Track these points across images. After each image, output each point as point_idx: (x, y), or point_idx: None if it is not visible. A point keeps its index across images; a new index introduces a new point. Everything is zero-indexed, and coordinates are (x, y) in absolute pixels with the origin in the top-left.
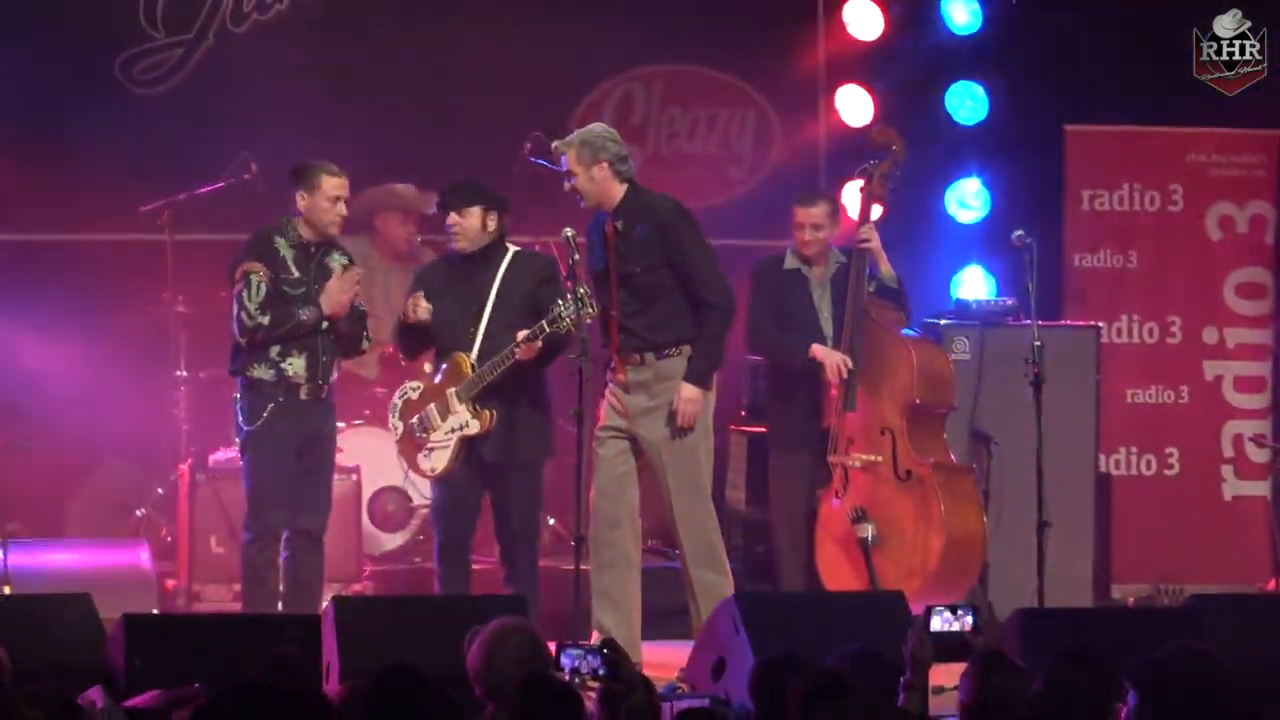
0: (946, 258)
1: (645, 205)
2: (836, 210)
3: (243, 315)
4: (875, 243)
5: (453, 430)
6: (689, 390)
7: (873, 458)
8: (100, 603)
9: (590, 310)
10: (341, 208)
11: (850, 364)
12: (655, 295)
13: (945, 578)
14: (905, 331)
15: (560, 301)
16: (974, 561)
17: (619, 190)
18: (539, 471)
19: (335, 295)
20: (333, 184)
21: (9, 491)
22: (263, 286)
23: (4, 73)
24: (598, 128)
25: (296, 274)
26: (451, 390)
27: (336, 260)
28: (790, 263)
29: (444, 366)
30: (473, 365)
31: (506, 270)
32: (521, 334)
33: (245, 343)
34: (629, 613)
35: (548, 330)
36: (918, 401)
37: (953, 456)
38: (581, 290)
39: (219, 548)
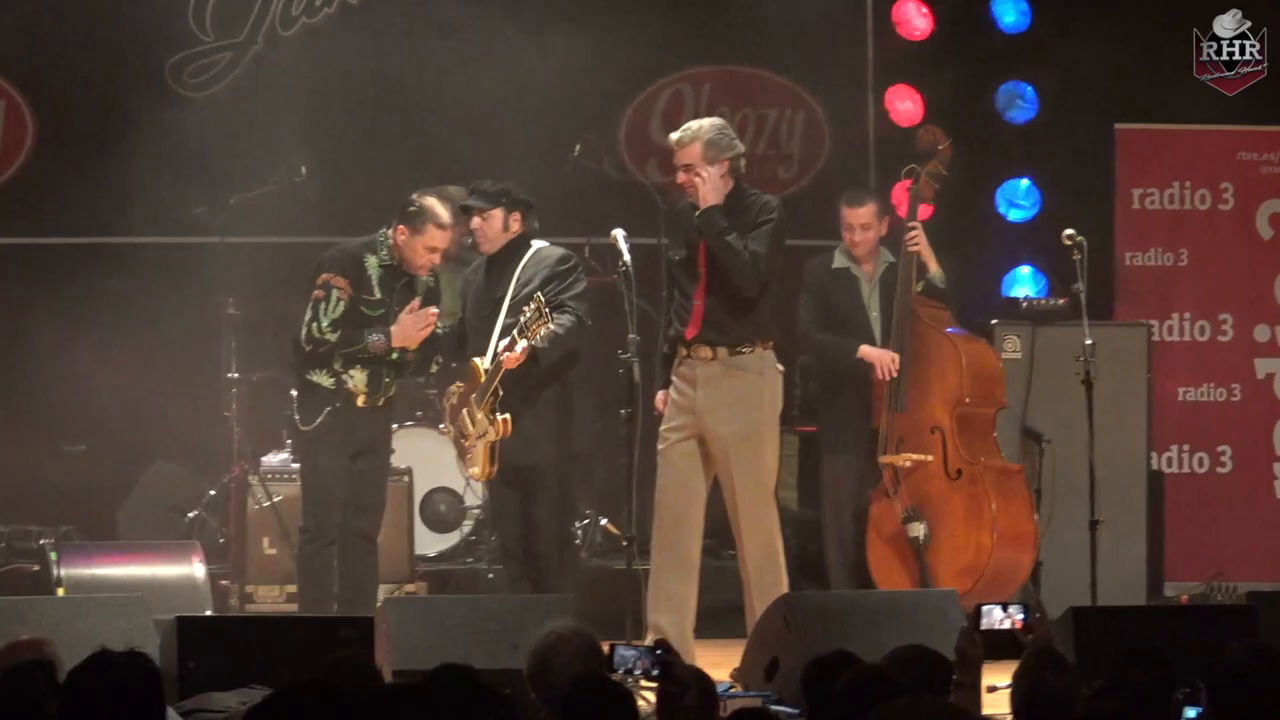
0: (997, 257)
1: (747, 203)
2: (884, 210)
3: (313, 325)
4: (923, 242)
5: (480, 436)
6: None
7: (923, 457)
8: (153, 605)
9: (547, 322)
10: (436, 259)
11: (898, 363)
12: (738, 291)
13: (997, 576)
14: (953, 331)
15: (527, 308)
16: (1025, 560)
17: (728, 187)
18: (564, 473)
19: (406, 329)
20: (436, 237)
21: (62, 494)
22: (341, 304)
23: (56, 77)
24: (719, 123)
25: (379, 295)
26: (472, 396)
27: (422, 282)
28: (839, 262)
29: (470, 371)
30: (485, 371)
31: (523, 269)
32: (502, 344)
33: (308, 350)
34: (686, 615)
35: (520, 339)
36: (967, 400)
37: (1003, 455)
38: (541, 299)
39: (271, 549)
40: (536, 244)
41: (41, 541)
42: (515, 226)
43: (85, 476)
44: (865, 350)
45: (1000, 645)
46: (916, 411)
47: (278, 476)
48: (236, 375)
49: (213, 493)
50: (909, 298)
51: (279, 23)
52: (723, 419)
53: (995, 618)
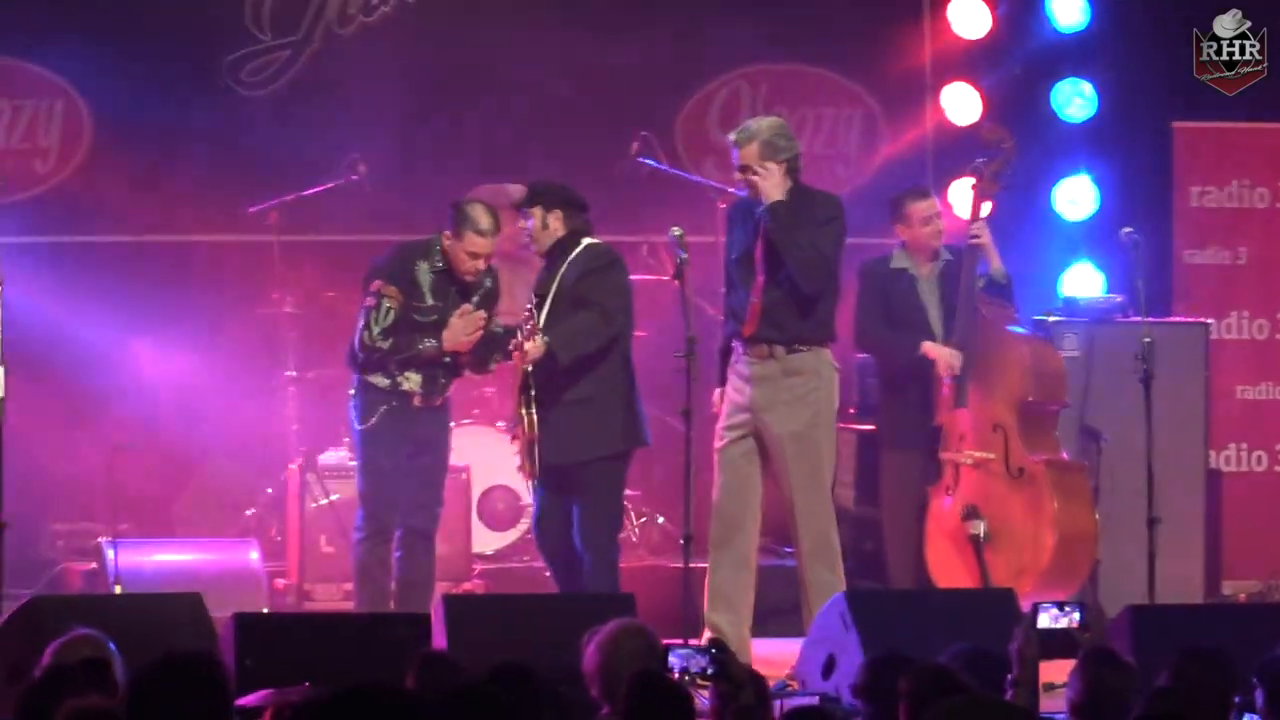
0: (1055, 254)
1: (809, 200)
2: (944, 202)
3: (364, 334)
4: (986, 239)
5: (525, 434)
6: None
7: (985, 454)
8: (210, 602)
9: (536, 331)
10: (480, 264)
11: (959, 360)
12: (797, 290)
13: (1057, 575)
14: (1015, 328)
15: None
16: (1085, 559)
17: (786, 187)
18: (603, 469)
19: (456, 334)
20: (475, 243)
21: (119, 491)
22: (391, 313)
23: (113, 76)
24: (777, 123)
25: (431, 301)
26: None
27: (483, 282)
28: (897, 262)
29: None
30: (524, 370)
31: (567, 267)
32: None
33: (362, 358)
34: (743, 614)
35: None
36: (1030, 399)
37: (1065, 453)
38: (531, 309)
39: (329, 547)
40: (587, 241)
41: (99, 539)
42: (555, 225)
43: (142, 474)
44: (928, 346)
45: (1056, 645)
46: (979, 409)
47: (335, 474)
48: (294, 373)
49: (270, 490)
50: (973, 294)
51: (336, 21)
52: (780, 418)
53: (1052, 617)
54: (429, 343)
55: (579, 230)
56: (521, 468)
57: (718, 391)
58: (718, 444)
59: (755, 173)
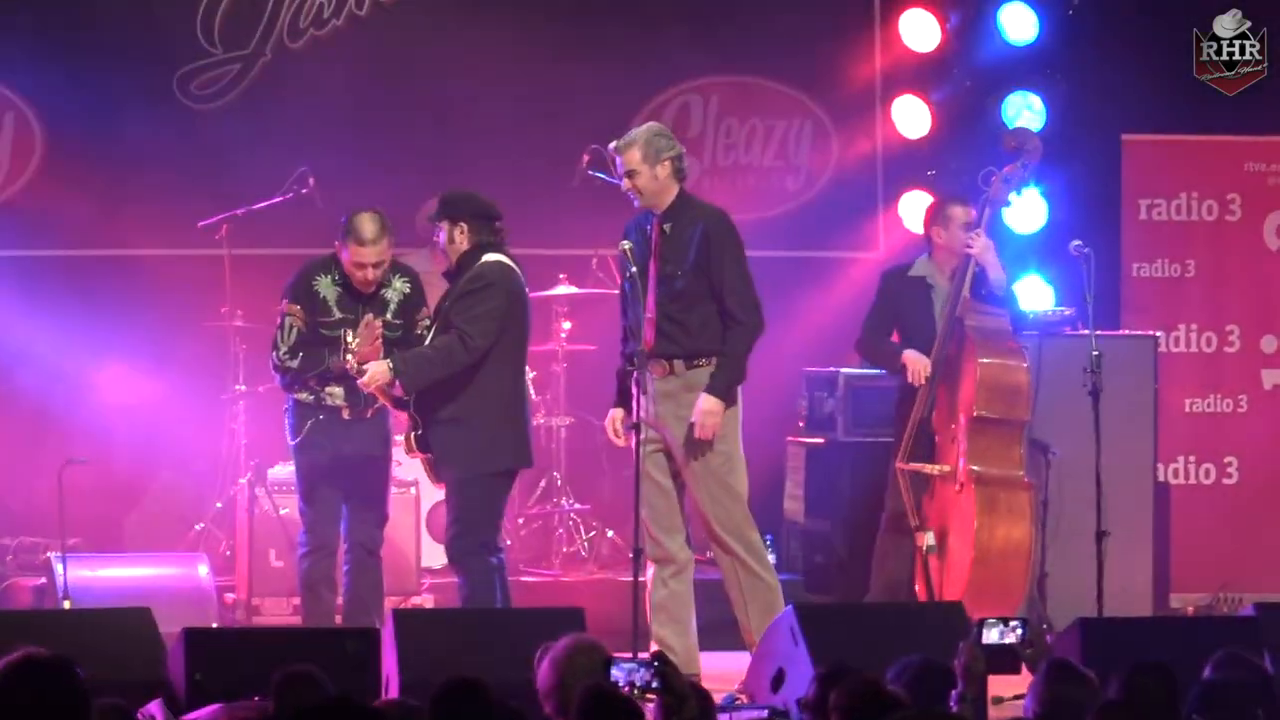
0: (1005, 267)
1: (696, 211)
2: None
3: (274, 355)
4: (979, 248)
5: None
6: (709, 402)
7: (937, 467)
8: (159, 617)
9: (345, 358)
10: (369, 273)
11: (928, 369)
12: (692, 302)
13: (981, 594)
14: (989, 340)
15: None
16: (1014, 579)
17: (673, 191)
18: (477, 485)
19: (360, 346)
20: (358, 253)
21: (68, 506)
22: (294, 331)
23: (64, 90)
24: (655, 126)
25: (338, 315)
26: None
27: (396, 289)
28: (918, 270)
29: None
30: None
31: (462, 282)
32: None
33: (279, 378)
34: (687, 625)
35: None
36: (980, 414)
37: (1021, 471)
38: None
39: (278, 561)
40: (488, 258)
41: (48, 554)
42: (460, 238)
43: (92, 489)
44: (906, 355)
45: (1000, 660)
46: (944, 420)
47: (284, 489)
48: (244, 387)
49: (219, 505)
50: (956, 305)
51: (286, 35)
52: (682, 432)
53: (997, 633)
54: (335, 358)
55: (485, 244)
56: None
57: (611, 413)
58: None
59: (637, 174)
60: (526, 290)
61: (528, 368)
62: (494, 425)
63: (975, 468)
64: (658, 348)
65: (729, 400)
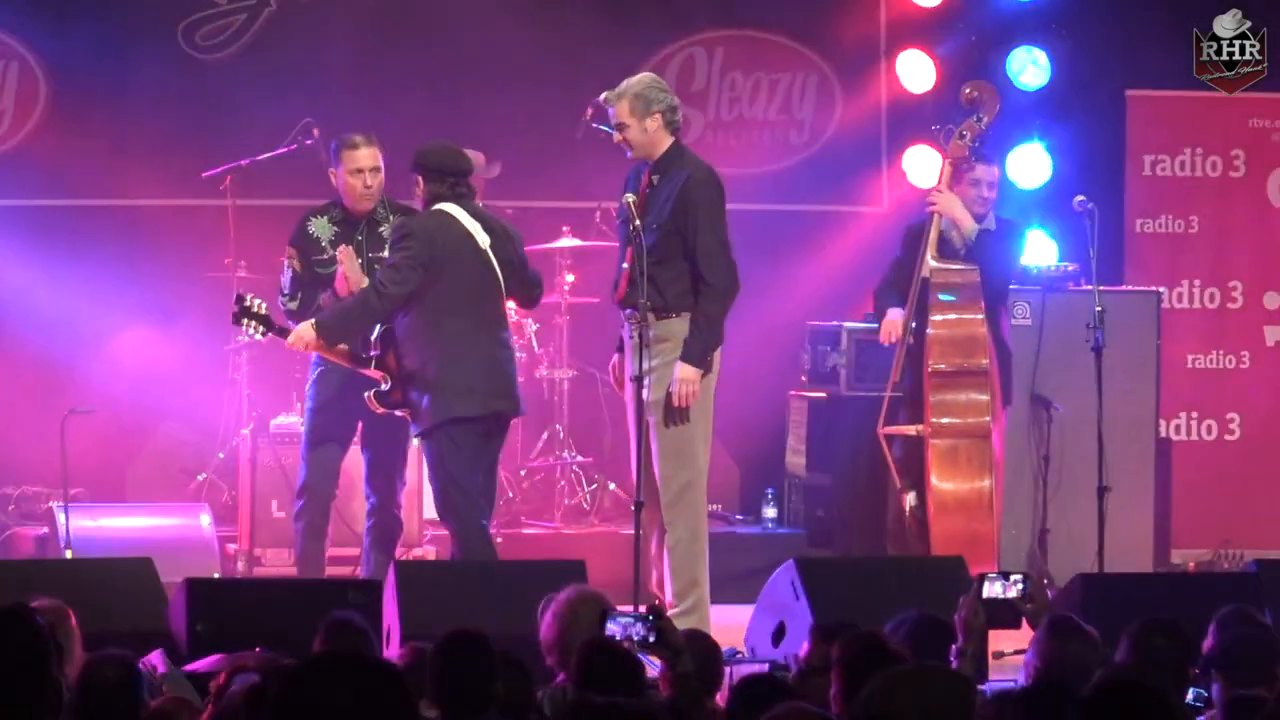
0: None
1: (684, 165)
2: None
3: (279, 300)
4: (942, 205)
5: None
6: (685, 370)
7: (912, 429)
8: (161, 567)
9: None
10: (367, 179)
11: (898, 331)
12: (664, 257)
13: (947, 545)
14: (944, 297)
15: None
16: (978, 527)
17: (667, 142)
18: (425, 441)
19: (349, 273)
20: (353, 158)
21: (71, 456)
22: (293, 273)
23: (69, 40)
24: (647, 78)
25: (331, 253)
26: None
27: (392, 224)
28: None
29: None
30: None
31: None
32: None
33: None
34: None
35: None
36: (936, 368)
37: (988, 418)
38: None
39: (279, 512)
40: (435, 208)
41: (50, 504)
42: (419, 191)
43: (94, 438)
44: (886, 317)
45: (1000, 614)
46: (916, 381)
47: (286, 439)
48: (246, 338)
49: (221, 455)
50: (920, 263)
51: None
52: (651, 383)
53: (996, 587)
54: (326, 292)
55: (439, 196)
56: None
57: (616, 357)
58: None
59: (628, 126)
60: (481, 239)
61: (530, 320)
62: (442, 376)
63: (938, 420)
64: (629, 298)
65: (705, 367)
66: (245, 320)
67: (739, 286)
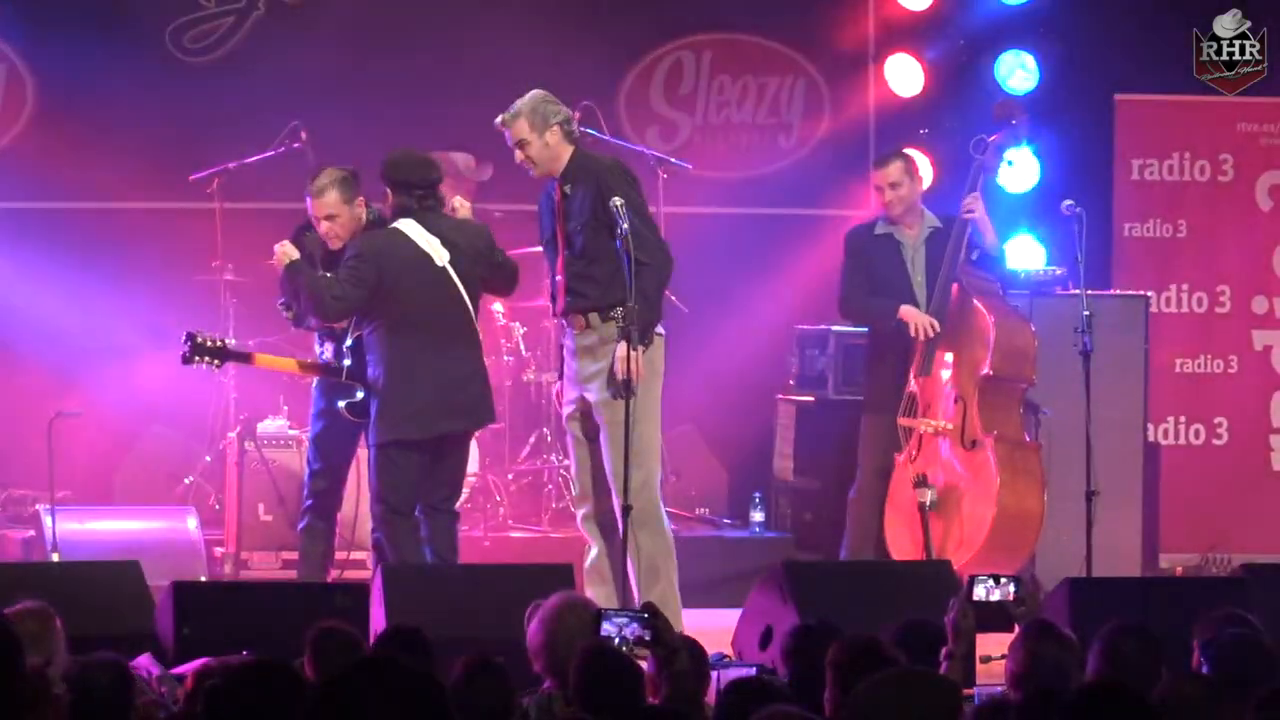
0: (996, 226)
1: (591, 165)
2: (911, 166)
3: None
4: (979, 213)
5: None
6: (624, 348)
7: (943, 424)
8: (148, 570)
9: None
10: (323, 225)
11: (936, 327)
12: (596, 256)
13: (994, 552)
14: (993, 302)
15: None
16: (1026, 539)
17: (567, 154)
18: (372, 453)
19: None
20: (313, 205)
21: (58, 459)
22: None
23: (56, 43)
24: (539, 94)
25: (321, 271)
26: None
27: None
28: (882, 228)
29: None
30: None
31: None
32: None
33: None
34: (615, 584)
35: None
36: (991, 373)
37: (1026, 434)
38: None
39: (266, 515)
40: (399, 224)
41: (36, 506)
42: (386, 204)
43: (81, 441)
44: (905, 311)
45: (991, 617)
46: (943, 378)
47: (274, 443)
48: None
49: (208, 459)
50: (954, 265)
51: None
52: (598, 386)
53: (986, 590)
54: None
55: (405, 208)
56: None
57: (559, 384)
58: (565, 422)
59: (528, 144)
60: (439, 256)
61: (517, 324)
62: (388, 395)
63: (993, 428)
64: (571, 305)
65: (645, 342)
66: (197, 357)
67: (673, 262)
